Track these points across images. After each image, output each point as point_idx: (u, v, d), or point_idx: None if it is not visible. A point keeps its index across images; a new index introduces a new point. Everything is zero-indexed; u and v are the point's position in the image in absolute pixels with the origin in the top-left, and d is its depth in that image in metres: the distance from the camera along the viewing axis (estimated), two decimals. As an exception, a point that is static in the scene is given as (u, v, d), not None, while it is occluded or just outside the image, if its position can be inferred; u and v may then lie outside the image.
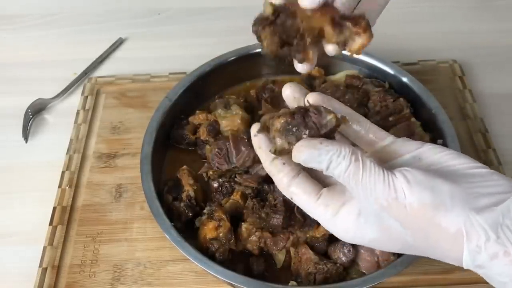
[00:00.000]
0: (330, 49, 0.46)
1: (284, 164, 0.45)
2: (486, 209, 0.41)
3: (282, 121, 0.43)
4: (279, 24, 0.45)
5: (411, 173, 0.42)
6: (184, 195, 0.65)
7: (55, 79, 0.88)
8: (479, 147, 0.76)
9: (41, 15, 1.02)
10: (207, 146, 0.69)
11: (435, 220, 0.41)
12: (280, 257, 0.62)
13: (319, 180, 0.45)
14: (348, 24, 0.43)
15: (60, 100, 0.86)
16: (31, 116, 0.82)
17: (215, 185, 0.67)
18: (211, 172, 0.67)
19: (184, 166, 0.69)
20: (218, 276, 0.57)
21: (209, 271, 0.57)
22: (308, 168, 0.44)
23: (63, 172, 0.74)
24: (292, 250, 0.61)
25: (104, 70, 0.91)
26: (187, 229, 0.63)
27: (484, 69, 0.88)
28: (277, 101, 0.73)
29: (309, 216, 0.59)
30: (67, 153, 0.76)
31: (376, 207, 0.41)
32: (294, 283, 0.60)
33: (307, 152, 0.42)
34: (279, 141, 0.43)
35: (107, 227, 0.68)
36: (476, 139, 0.77)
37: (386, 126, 0.70)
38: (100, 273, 0.64)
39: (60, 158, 0.76)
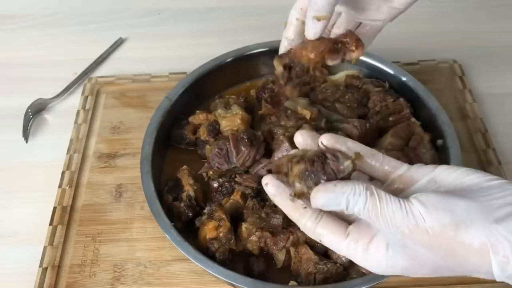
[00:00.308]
0: (331, 63, 0.56)
1: (305, 208, 0.46)
2: (506, 219, 0.41)
3: (302, 167, 0.44)
4: (294, 77, 0.56)
5: (427, 197, 0.42)
6: (184, 195, 0.65)
7: (55, 79, 0.88)
8: (479, 147, 0.76)
9: (41, 15, 1.02)
10: (207, 146, 0.69)
11: (457, 238, 0.41)
12: (280, 257, 0.62)
13: (342, 217, 0.46)
14: (343, 47, 0.55)
15: (60, 100, 0.86)
16: (31, 116, 0.82)
17: (215, 185, 0.67)
18: (211, 172, 0.67)
19: (184, 166, 0.69)
20: (218, 276, 0.57)
21: (209, 271, 0.57)
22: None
23: (63, 172, 0.74)
24: (292, 250, 0.61)
25: (104, 70, 0.91)
26: (187, 229, 0.63)
27: (484, 69, 0.88)
28: (277, 101, 0.73)
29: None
30: (67, 153, 0.76)
31: (400, 236, 0.42)
32: (294, 283, 0.60)
33: (324, 197, 0.43)
34: (298, 186, 0.44)
35: (107, 227, 0.68)
36: (476, 139, 0.77)
37: (386, 126, 0.70)
38: (100, 273, 0.64)
39: (60, 158, 0.76)
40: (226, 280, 0.57)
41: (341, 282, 0.58)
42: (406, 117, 0.71)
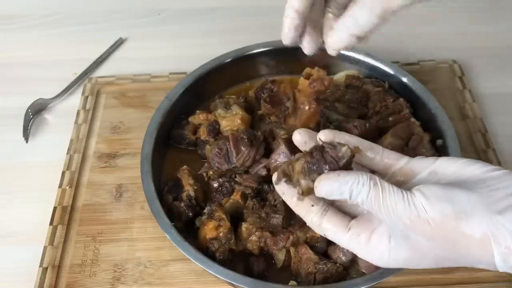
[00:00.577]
0: None
1: (312, 205, 0.47)
2: (507, 209, 0.41)
3: (302, 162, 0.45)
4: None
5: (428, 188, 0.43)
6: (184, 195, 0.65)
7: (55, 79, 0.88)
8: (479, 147, 0.76)
9: (41, 15, 1.02)
10: (207, 146, 0.69)
11: (459, 229, 0.41)
12: (280, 257, 0.62)
13: (348, 213, 0.47)
14: None
15: (61, 100, 0.86)
16: (31, 116, 0.82)
17: (215, 185, 0.67)
18: (211, 172, 0.67)
19: (184, 166, 0.69)
20: (218, 276, 0.57)
21: (209, 271, 0.57)
22: (337, 204, 0.47)
23: (63, 172, 0.74)
24: (292, 250, 0.61)
25: (104, 70, 0.91)
26: (187, 229, 0.63)
27: (484, 69, 0.88)
28: (276, 101, 0.73)
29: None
30: (67, 153, 0.76)
31: (402, 227, 0.42)
32: (294, 283, 0.60)
33: (327, 185, 0.43)
34: (304, 182, 0.45)
35: (108, 227, 0.68)
36: (476, 139, 0.77)
37: (386, 126, 0.70)
38: (100, 272, 0.64)
39: (60, 158, 0.76)
40: (226, 280, 0.57)
41: (341, 282, 0.58)
42: (406, 117, 0.71)
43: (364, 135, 0.66)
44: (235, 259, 0.62)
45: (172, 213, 0.64)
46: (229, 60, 0.79)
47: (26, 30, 0.99)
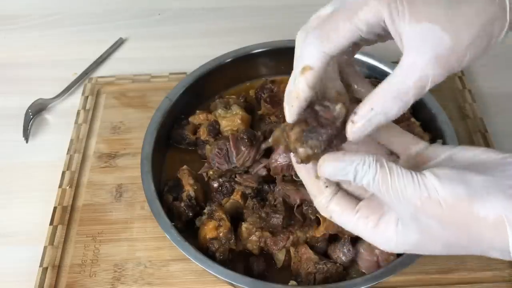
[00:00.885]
0: None
1: (326, 187, 0.45)
2: None
3: (297, 130, 0.43)
4: None
5: (441, 170, 0.41)
6: (184, 195, 0.65)
7: (55, 79, 0.88)
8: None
9: (41, 15, 1.02)
10: (207, 146, 0.69)
11: (472, 211, 0.39)
12: (280, 257, 0.62)
13: (357, 198, 0.46)
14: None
15: (61, 100, 0.86)
16: (31, 116, 0.82)
17: (215, 185, 0.67)
18: (211, 172, 0.67)
19: (184, 166, 0.69)
20: (218, 275, 0.57)
21: (209, 271, 0.57)
22: (346, 188, 0.45)
23: (63, 172, 0.74)
24: (292, 250, 0.61)
25: (104, 70, 0.91)
26: (187, 229, 0.64)
27: (484, 69, 0.88)
28: (276, 101, 0.73)
29: (309, 216, 0.60)
30: (67, 153, 0.76)
31: (411, 209, 0.40)
32: (294, 283, 0.60)
33: (331, 165, 0.42)
34: (302, 150, 0.43)
35: (108, 227, 0.68)
36: (476, 139, 0.77)
37: (386, 126, 0.70)
38: (100, 272, 0.64)
39: (60, 158, 0.76)
40: (226, 280, 0.57)
41: (341, 282, 0.58)
42: (405, 117, 0.71)
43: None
44: (235, 259, 0.62)
45: (172, 213, 0.64)
46: (229, 60, 0.79)
47: (26, 30, 0.99)
